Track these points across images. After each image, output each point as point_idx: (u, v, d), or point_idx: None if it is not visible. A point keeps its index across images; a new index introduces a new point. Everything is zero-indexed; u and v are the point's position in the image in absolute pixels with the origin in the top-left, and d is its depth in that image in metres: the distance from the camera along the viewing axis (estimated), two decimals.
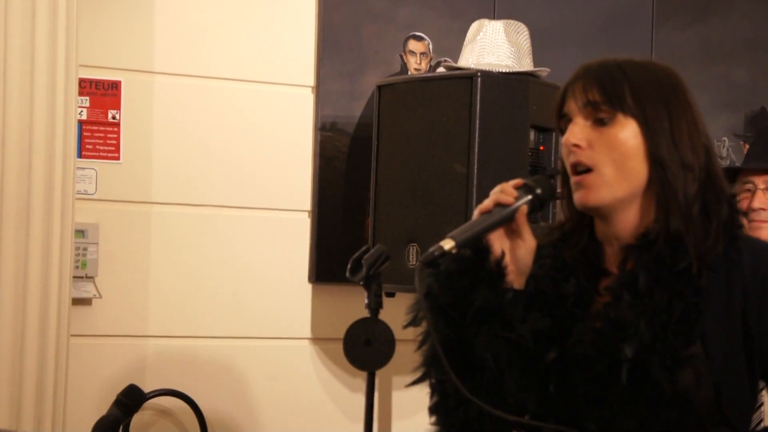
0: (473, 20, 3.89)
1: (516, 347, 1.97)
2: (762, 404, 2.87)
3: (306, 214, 4.20)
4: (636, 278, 1.93)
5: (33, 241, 3.58)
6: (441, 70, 4.09)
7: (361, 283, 3.48)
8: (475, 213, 2.02)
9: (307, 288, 4.21)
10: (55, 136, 3.62)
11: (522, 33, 3.80)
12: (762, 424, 2.75)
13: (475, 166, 3.62)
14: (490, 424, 2.00)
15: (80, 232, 3.84)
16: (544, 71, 3.80)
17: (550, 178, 2.09)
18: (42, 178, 3.60)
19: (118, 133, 3.98)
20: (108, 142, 3.96)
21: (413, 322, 2.09)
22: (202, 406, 4.00)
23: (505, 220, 2.01)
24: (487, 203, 2.00)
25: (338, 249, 4.15)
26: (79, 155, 3.86)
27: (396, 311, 4.02)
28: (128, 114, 3.98)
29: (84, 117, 3.92)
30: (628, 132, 1.97)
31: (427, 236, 3.73)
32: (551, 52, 4.31)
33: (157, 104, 4.02)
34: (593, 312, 1.99)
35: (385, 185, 3.89)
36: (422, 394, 4.47)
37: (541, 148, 3.80)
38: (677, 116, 1.99)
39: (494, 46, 3.75)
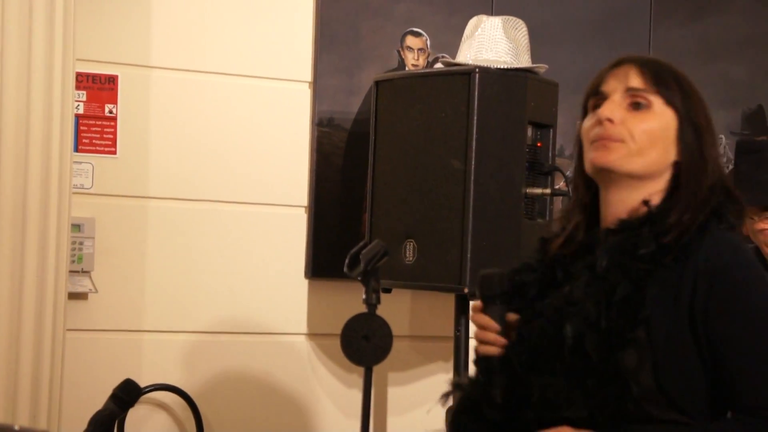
0: (471, 16, 3.89)
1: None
2: None
3: (303, 209, 4.20)
4: (596, 260, 2.03)
5: (29, 234, 3.57)
6: (439, 66, 4.08)
7: (359, 278, 3.48)
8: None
9: (304, 283, 4.21)
10: (52, 130, 3.61)
11: (520, 29, 3.80)
12: None
13: (473, 162, 3.62)
14: None
15: (76, 227, 3.83)
16: (542, 68, 3.79)
17: (503, 273, 2.21)
18: (38, 172, 3.59)
19: (114, 127, 3.97)
20: (105, 136, 3.95)
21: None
22: (198, 401, 4.00)
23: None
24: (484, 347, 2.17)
25: (335, 245, 4.14)
26: (76, 149, 3.86)
27: (393, 307, 4.04)
28: (125, 108, 3.97)
29: (81, 111, 3.91)
30: (662, 120, 2.07)
31: (424, 232, 3.73)
32: (549, 49, 4.31)
33: (154, 99, 4.02)
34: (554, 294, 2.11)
35: (382, 181, 3.89)
36: (417, 391, 4.50)
37: (539, 144, 3.80)
38: (709, 121, 2.10)
39: (492, 42, 3.74)
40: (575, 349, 1.98)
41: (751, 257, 2.09)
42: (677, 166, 2.08)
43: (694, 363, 1.99)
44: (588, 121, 2.12)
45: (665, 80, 2.08)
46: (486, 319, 2.16)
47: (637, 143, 2.05)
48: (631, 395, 1.95)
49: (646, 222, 2.05)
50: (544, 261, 2.19)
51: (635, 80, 2.09)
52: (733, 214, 2.09)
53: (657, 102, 2.07)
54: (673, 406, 1.99)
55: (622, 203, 2.10)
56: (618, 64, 2.14)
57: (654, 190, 2.09)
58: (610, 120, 2.06)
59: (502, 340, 2.13)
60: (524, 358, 2.07)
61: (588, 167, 2.12)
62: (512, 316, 2.15)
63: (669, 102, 2.07)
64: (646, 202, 2.08)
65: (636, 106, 2.08)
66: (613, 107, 2.07)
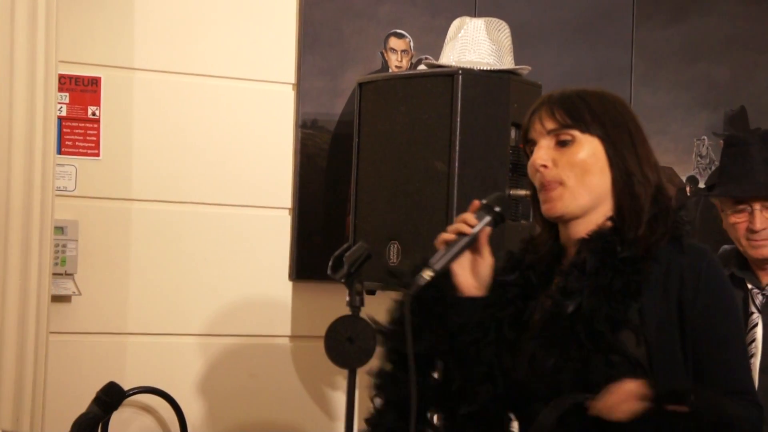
0: (454, 18, 3.89)
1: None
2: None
3: (287, 211, 4.20)
4: (585, 261, 2.19)
5: (12, 237, 3.56)
6: (422, 67, 4.09)
7: (343, 280, 3.48)
8: (438, 242, 2.27)
9: (288, 285, 4.21)
10: (35, 133, 3.60)
11: (503, 31, 3.80)
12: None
13: (456, 164, 3.62)
14: None
15: (59, 229, 3.82)
16: (525, 69, 3.80)
17: (504, 195, 2.44)
18: (21, 174, 3.58)
19: (98, 129, 3.96)
20: (88, 138, 3.94)
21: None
22: (182, 404, 3.99)
23: (470, 245, 2.27)
24: (448, 235, 2.26)
25: (319, 247, 4.15)
26: (59, 151, 3.85)
27: (377, 309, 4.02)
28: (108, 110, 3.97)
29: (64, 113, 3.90)
30: (588, 149, 2.24)
31: (407, 234, 3.72)
32: (532, 50, 4.32)
33: (138, 101, 4.01)
34: (546, 293, 2.26)
35: (366, 183, 3.89)
36: None
37: (522, 145, 3.79)
38: (637, 136, 2.27)
39: (475, 44, 3.75)
40: (576, 325, 2.14)
41: (719, 264, 2.29)
42: (621, 182, 2.25)
43: (678, 354, 2.18)
44: (530, 168, 2.29)
45: (579, 113, 2.24)
46: (471, 217, 2.28)
47: (575, 178, 2.23)
48: (632, 372, 2.11)
49: (615, 232, 2.22)
50: (522, 264, 2.35)
51: (551, 122, 2.26)
52: (678, 222, 2.26)
53: (578, 134, 2.24)
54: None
55: (584, 228, 2.25)
56: (536, 109, 2.30)
57: (607, 210, 2.25)
58: (544, 166, 2.24)
59: (473, 221, 2.26)
60: (537, 353, 2.20)
61: (543, 214, 2.29)
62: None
63: (587, 131, 2.24)
64: (611, 218, 2.24)
65: (562, 143, 2.25)
66: (542, 152, 2.25)
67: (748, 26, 4.85)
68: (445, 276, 2.26)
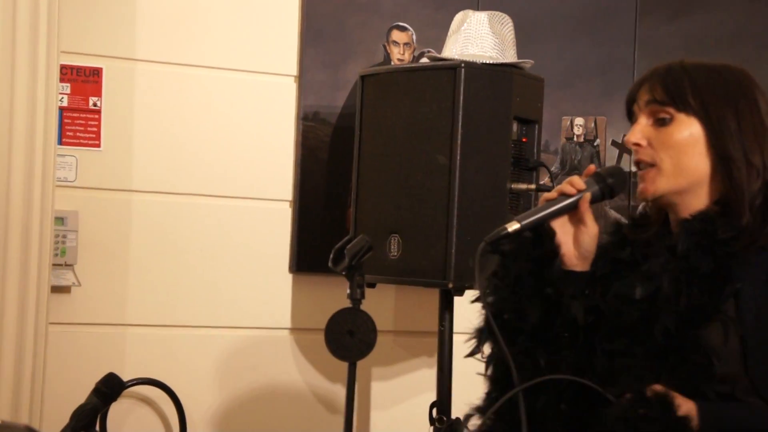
0: (456, 11, 3.88)
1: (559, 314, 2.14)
2: None
3: (287, 204, 4.19)
4: (678, 242, 2.09)
5: (12, 228, 3.56)
6: (424, 60, 4.07)
7: (344, 273, 3.48)
8: (541, 200, 2.20)
9: (288, 278, 4.20)
10: (36, 123, 3.59)
11: (506, 24, 3.79)
12: None
13: (458, 158, 3.61)
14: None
15: (60, 220, 3.81)
16: (527, 63, 3.79)
17: (623, 169, 2.26)
18: (22, 164, 3.57)
19: (98, 120, 3.95)
20: (89, 129, 3.94)
21: (480, 299, 2.20)
22: (181, 396, 3.99)
23: (568, 209, 2.17)
24: (552, 193, 2.18)
25: (319, 239, 4.14)
26: (60, 142, 3.84)
27: (378, 302, 4.04)
28: (109, 101, 3.96)
29: (65, 104, 3.89)
30: (687, 131, 2.13)
31: (408, 227, 3.72)
32: (535, 44, 4.31)
33: (139, 92, 4.00)
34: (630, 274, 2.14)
35: (367, 176, 3.88)
36: (401, 386, 4.50)
37: (524, 139, 3.79)
38: (745, 116, 2.13)
39: (478, 37, 3.74)
40: (654, 326, 2.04)
41: None
42: (721, 168, 2.13)
43: None
44: (626, 144, 2.28)
45: (680, 90, 2.14)
46: (578, 180, 2.19)
47: (668, 162, 2.14)
48: (713, 374, 2.01)
49: (719, 216, 2.11)
50: (617, 243, 2.25)
51: (650, 97, 2.17)
52: None
53: (676, 113, 2.15)
54: (754, 389, 2.03)
55: (686, 209, 2.17)
56: (641, 81, 2.21)
57: (709, 194, 2.15)
58: (637, 145, 2.17)
59: (580, 185, 2.17)
60: (599, 337, 2.11)
61: (637, 195, 2.21)
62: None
63: (686, 111, 2.14)
64: (716, 203, 2.14)
65: (660, 122, 2.16)
66: (638, 129, 2.17)
67: (752, 22, 4.84)
68: (549, 239, 2.17)
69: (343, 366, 3.61)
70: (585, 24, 4.56)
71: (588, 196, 2.17)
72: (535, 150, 3.83)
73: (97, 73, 3.95)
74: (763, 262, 2.06)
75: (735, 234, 2.07)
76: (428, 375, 4.21)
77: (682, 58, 2.22)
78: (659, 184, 2.15)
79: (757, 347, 2.01)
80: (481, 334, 2.24)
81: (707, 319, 2.02)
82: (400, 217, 3.74)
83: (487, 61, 3.69)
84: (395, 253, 3.74)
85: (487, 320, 2.17)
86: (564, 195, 2.17)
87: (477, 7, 4.18)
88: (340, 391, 4.12)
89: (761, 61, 4.85)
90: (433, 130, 3.68)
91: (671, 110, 2.15)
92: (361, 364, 3.60)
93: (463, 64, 3.64)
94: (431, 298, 3.93)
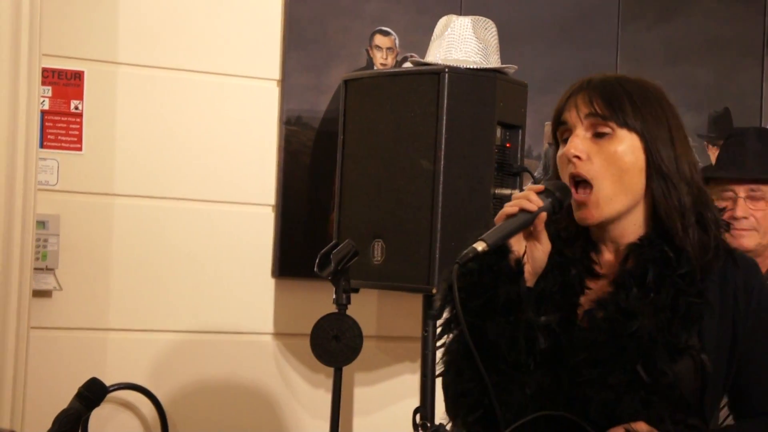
0: (440, 16, 3.88)
1: (529, 337, 2.11)
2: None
3: (270, 208, 4.18)
4: (644, 272, 2.07)
5: None
6: (408, 65, 4.08)
7: (330, 278, 3.47)
8: (499, 216, 2.14)
9: (270, 283, 4.19)
10: (17, 126, 3.57)
11: (490, 29, 3.80)
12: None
13: (442, 162, 3.61)
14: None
15: (41, 223, 3.79)
16: (511, 68, 3.79)
17: (562, 182, 2.19)
18: (3, 168, 3.55)
19: (80, 123, 3.94)
20: (70, 132, 3.92)
21: (447, 322, 2.18)
22: (164, 401, 3.98)
23: (527, 224, 2.13)
24: (512, 208, 2.12)
25: (302, 244, 4.13)
26: (41, 145, 3.82)
27: (360, 307, 4.03)
28: (91, 104, 3.94)
29: (46, 107, 3.87)
30: (627, 146, 2.11)
31: (392, 232, 3.72)
32: (518, 50, 4.32)
33: (121, 95, 3.99)
34: (599, 300, 2.12)
35: (350, 180, 3.88)
36: (384, 392, 4.50)
37: (508, 144, 3.80)
38: (676, 131, 2.14)
39: (462, 42, 3.74)
40: (635, 361, 2.03)
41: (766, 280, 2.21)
42: (657, 185, 2.13)
43: (723, 375, 2.11)
44: (560, 158, 2.18)
45: (619, 103, 2.12)
46: (535, 196, 2.14)
47: (608, 179, 2.11)
48: (683, 402, 2.05)
49: (664, 238, 2.12)
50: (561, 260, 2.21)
51: (594, 107, 2.13)
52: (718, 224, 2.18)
53: (616, 128, 2.12)
54: (701, 413, 2.09)
55: (621, 230, 2.16)
56: (573, 92, 2.18)
57: (643, 211, 2.15)
58: (577, 157, 2.12)
59: (537, 200, 2.12)
60: (574, 362, 2.09)
61: (576, 220, 2.17)
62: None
63: (626, 126, 2.12)
64: (655, 221, 2.14)
65: (599, 135, 2.13)
66: (577, 142, 2.13)
67: (732, 28, 4.86)
68: (503, 256, 2.13)
69: (326, 371, 3.61)
70: (568, 30, 4.57)
71: (544, 215, 2.13)
72: (519, 155, 3.83)
73: (78, 76, 3.93)
74: (715, 294, 2.10)
75: (692, 268, 2.08)
76: (411, 380, 4.21)
77: (603, 72, 2.21)
78: (603, 208, 2.12)
79: (714, 379, 2.08)
80: (448, 325, 2.21)
81: (680, 354, 2.04)
82: (384, 222, 3.74)
83: (471, 66, 3.70)
84: (378, 258, 3.74)
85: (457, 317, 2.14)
86: (524, 211, 2.12)
87: (460, 12, 4.19)
88: (323, 397, 4.11)
89: (741, 66, 4.88)
90: (417, 135, 3.68)
91: (612, 125, 2.11)
92: (344, 370, 3.60)
93: (446, 69, 3.64)
94: (414, 303, 3.93)
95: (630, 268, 2.11)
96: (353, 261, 3.46)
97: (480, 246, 2.07)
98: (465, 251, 2.06)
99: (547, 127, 4.49)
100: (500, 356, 2.09)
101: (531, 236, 2.15)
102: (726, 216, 3.17)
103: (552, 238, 2.18)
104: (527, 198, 2.12)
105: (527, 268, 2.14)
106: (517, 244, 2.14)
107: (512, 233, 2.12)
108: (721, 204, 3.24)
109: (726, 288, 2.11)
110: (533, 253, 2.15)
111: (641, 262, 2.10)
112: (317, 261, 3.48)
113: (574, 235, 2.21)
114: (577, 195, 2.14)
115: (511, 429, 2.05)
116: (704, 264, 2.09)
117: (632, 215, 2.15)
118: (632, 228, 2.15)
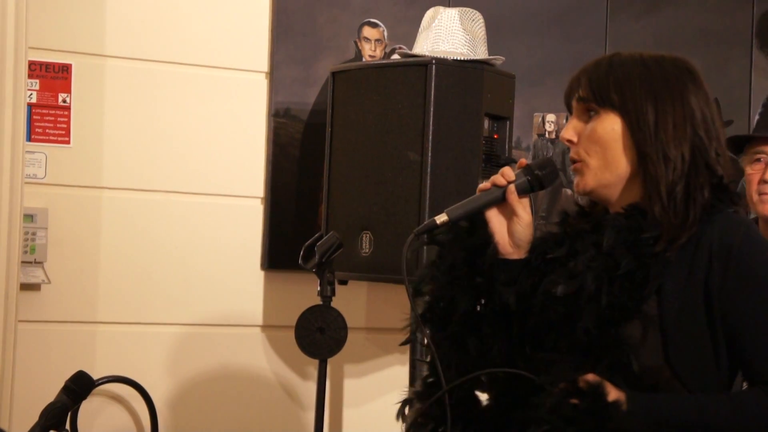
0: (428, 7, 3.88)
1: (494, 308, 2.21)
2: None
3: (259, 200, 4.18)
4: (602, 236, 2.12)
5: None
6: (396, 57, 4.08)
7: (314, 270, 3.47)
8: (478, 190, 2.25)
9: (259, 275, 4.19)
10: (4, 120, 3.57)
11: (477, 21, 3.80)
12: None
13: (429, 154, 3.61)
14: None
15: (29, 217, 3.79)
16: (498, 59, 3.80)
17: (553, 162, 2.30)
18: None
19: (68, 116, 3.93)
20: (58, 125, 3.91)
21: (417, 293, 2.35)
22: (152, 393, 3.98)
23: (497, 200, 2.23)
24: (486, 183, 2.23)
25: (291, 236, 4.13)
26: (29, 139, 3.81)
27: (349, 299, 4.03)
28: (79, 97, 3.94)
29: (34, 100, 3.87)
30: (607, 125, 2.17)
31: (380, 224, 3.72)
32: (506, 41, 4.32)
33: (109, 88, 3.98)
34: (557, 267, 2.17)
35: (338, 172, 3.88)
36: (373, 383, 4.50)
37: (495, 136, 3.80)
38: (666, 110, 2.14)
39: (449, 34, 3.74)
40: (576, 323, 2.07)
41: (760, 236, 2.15)
42: (638, 162, 2.16)
43: (704, 341, 2.08)
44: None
45: (600, 84, 2.19)
46: (509, 171, 2.24)
47: (593, 156, 2.19)
48: (631, 370, 2.05)
49: (642, 211, 2.14)
50: (558, 235, 2.27)
51: (580, 92, 2.22)
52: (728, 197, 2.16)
53: (601, 110, 2.18)
54: (678, 381, 2.08)
55: (619, 203, 2.20)
56: (576, 74, 2.26)
57: (637, 181, 2.17)
58: (570, 141, 2.23)
59: (511, 176, 2.21)
60: (528, 332, 2.16)
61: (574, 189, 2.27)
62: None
63: (605, 105, 2.18)
64: (642, 198, 2.16)
65: (587, 118, 2.21)
66: (570, 127, 2.24)
67: (721, 19, 4.86)
68: (483, 228, 2.23)
69: (316, 363, 3.61)
70: (556, 20, 4.57)
71: (513, 188, 2.20)
72: (507, 146, 3.83)
73: (66, 69, 3.93)
74: (684, 259, 2.08)
75: (657, 234, 2.09)
76: (401, 372, 4.21)
77: (618, 51, 2.27)
78: (588, 179, 2.19)
79: (680, 340, 2.05)
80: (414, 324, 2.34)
81: (627, 318, 2.05)
82: (372, 213, 3.74)
83: (458, 58, 3.70)
84: (367, 250, 3.74)
85: (414, 311, 2.30)
86: (496, 186, 2.21)
87: (448, 4, 4.18)
88: (312, 388, 4.11)
89: (730, 57, 4.87)
90: (404, 126, 3.68)
91: (594, 106, 2.19)
92: (333, 362, 3.61)
93: (434, 61, 3.64)
94: (403, 294, 3.91)
95: (596, 235, 2.14)
96: (338, 253, 3.46)
97: (440, 219, 2.17)
98: (426, 222, 2.19)
99: (536, 118, 4.49)
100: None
101: (508, 210, 2.23)
102: (756, 181, 3.13)
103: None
104: (502, 173, 2.22)
105: (507, 241, 2.23)
106: (495, 219, 2.24)
107: (479, 208, 2.22)
108: (752, 168, 3.18)
109: (699, 251, 2.08)
110: (512, 226, 2.23)
111: (606, 229, 2.13)
112: (302, 253, 3.49)
113: (596, 211, 2.28)
114: (572, 165, 2.24)
115: (455, 384, 2.16)
116: (673, 230, 2.09)
117: (627, 191, 2.18)
118: (628, 200, 2.18)
